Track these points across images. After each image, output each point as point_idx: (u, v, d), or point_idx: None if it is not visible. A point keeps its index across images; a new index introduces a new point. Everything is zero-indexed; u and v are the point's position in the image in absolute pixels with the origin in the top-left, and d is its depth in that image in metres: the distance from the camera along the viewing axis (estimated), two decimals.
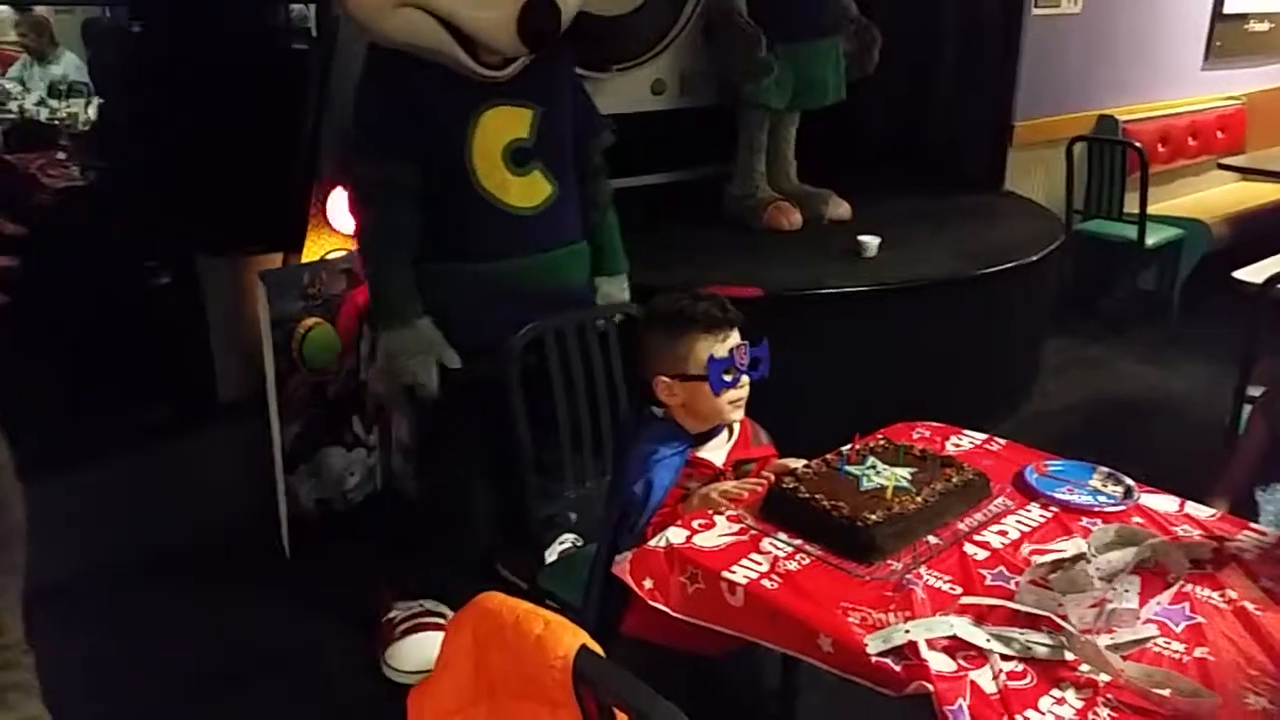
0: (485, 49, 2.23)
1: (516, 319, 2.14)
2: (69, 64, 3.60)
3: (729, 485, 1.76)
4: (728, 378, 1.78)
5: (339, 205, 2.85)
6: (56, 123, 3.64)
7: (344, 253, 2.86)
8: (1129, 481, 1.75)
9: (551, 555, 2.44)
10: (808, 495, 1.59)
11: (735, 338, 1.81)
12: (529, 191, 2.31)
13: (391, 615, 2.41)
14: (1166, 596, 1.41)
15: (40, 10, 3.69)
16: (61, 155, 3.55)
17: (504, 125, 2.28)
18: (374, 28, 2.25)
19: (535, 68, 2.32)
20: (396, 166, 2.22)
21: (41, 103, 3.70)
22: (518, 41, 2.24)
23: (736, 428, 1.91)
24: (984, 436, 1.96)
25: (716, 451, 1.87)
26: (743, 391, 1.82)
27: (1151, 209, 4.70)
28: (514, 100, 2.29)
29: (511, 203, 2.29)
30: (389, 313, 2.27)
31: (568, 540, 2.51)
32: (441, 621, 2.39)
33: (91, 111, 3.47)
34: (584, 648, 1.13)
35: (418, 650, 2.34)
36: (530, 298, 2.27)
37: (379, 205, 2.26)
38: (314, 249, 2.90)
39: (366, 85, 2.31)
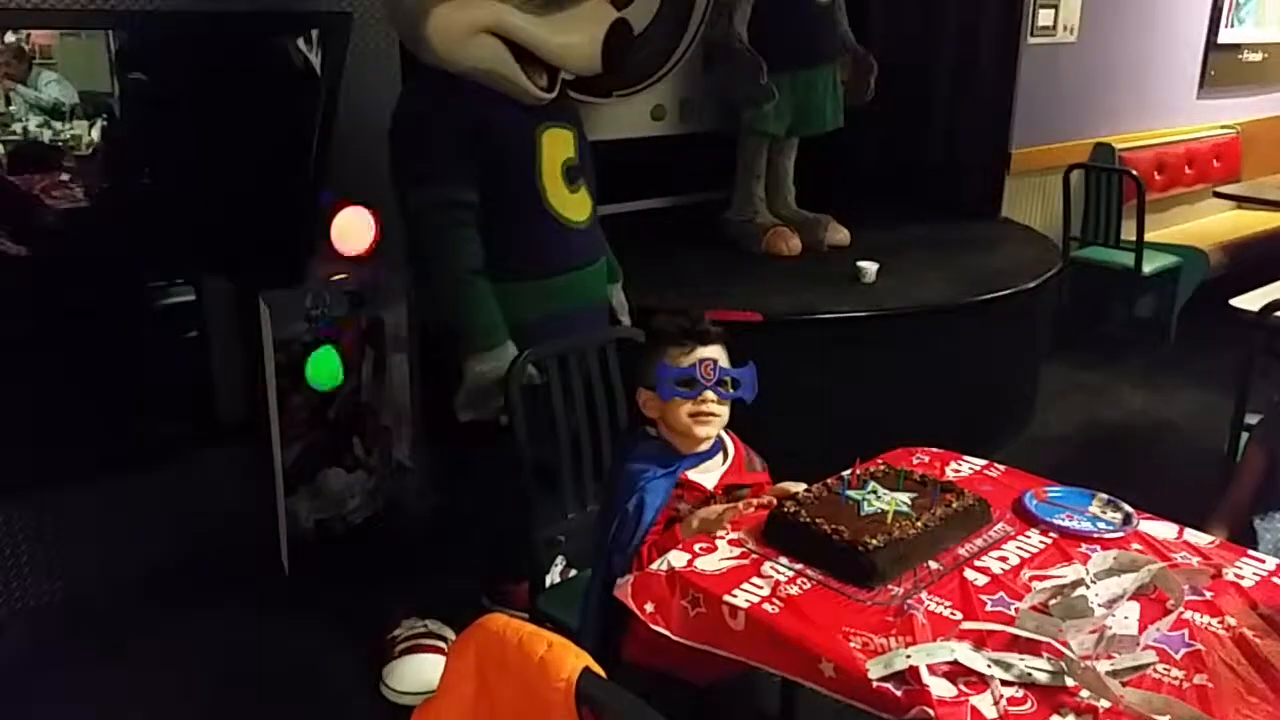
0: (537, 73, 2.31)
1: (571, 329, 2.26)
2: (56, 86, 3.61)
3: (722, 508, 1.76)
4: (682, 389, 1.79)
5: (343, 228, 2.86)
6: (59, 144, 3.66)
7: (347, 275, 2.87)
8: (1128, 508, 1.75)
9: (551, 579, 2.44)
10: (808, 520, 1.59)
11: (706, 353, 1.81)
12: (580, 207, 2.44)
13: (395, 633, 2.41)
14: (1166, 623, 1.42)
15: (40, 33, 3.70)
16: (65, 177, 3.57)
17: (558, 145, 2.39)
18: (451, 54, 2.27)
19: (563, 94, 2.43)
20: (463, 191, 2.26)
21: (45, 124, 3.72)
22: (598, 63, 2.37)
23: (731, 451, 1.91)
24: (983, 462, 1.97)
25: (708, 474, 1.87)
26: (709, 408, 1.80)
27: (1148, 236, 4.74)
28: (558, 122, 2.41)
29: (571, 218, 2.40)
30: (480, 339, 2.27)
31: (560, 563, 2.51)
32: (441, 644, 2.39)
33: (95, 134, 3.48)
34: (587, 669, 1.13)
35: (414, 671, 2.34)
36: (579, 309, 2.42)
37: (452, 232, 2.27)
38: (317, 271, 2.90)
39: (426, 112, 2.31)
